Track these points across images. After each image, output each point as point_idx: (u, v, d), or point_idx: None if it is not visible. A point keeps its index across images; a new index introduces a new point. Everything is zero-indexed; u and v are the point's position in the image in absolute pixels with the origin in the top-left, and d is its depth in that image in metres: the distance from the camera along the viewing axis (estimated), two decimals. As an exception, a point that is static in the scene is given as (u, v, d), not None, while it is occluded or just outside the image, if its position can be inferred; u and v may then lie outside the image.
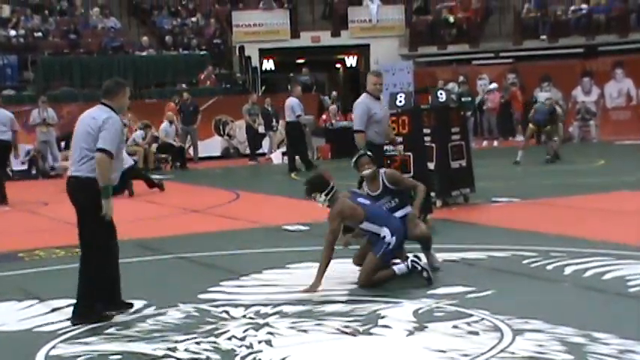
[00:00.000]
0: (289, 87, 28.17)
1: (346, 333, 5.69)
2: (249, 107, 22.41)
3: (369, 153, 7.84)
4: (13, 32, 25.18)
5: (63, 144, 20.33)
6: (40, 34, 25.61)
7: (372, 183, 7.70)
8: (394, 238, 7.06)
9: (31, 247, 9.79)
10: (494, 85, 24.39)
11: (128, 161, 15.15)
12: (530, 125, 17.71)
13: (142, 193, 15.30)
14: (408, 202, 7.69)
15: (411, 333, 5.62)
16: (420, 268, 7.07)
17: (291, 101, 19.19)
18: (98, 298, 6.42)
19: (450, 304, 6.28)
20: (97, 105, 6.61)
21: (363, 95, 9.32)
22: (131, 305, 6.64)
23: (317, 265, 7.79)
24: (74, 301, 6.52)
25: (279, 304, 6.51)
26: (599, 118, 23.98)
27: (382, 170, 7.84)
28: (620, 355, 4.95)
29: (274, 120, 23.05)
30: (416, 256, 7.21)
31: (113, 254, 6.60)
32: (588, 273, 7.20)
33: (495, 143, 23.40)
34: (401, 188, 7.71)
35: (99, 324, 6.21)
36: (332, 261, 8.09)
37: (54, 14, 26.89)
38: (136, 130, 21.47)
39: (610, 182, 13.76)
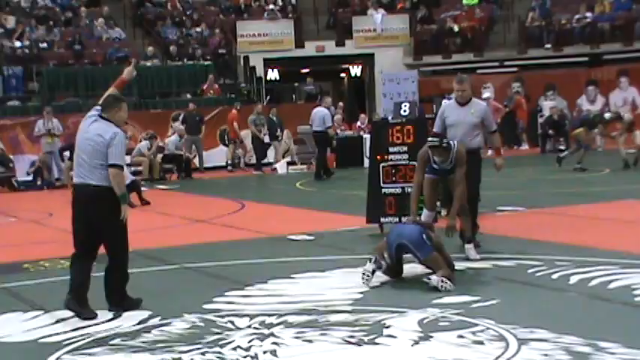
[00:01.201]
0: (294, 97, 28.30)
1: (351, 343, 5.68)
2: (254, 117, 22.45)
3: (444, 142, 8.32)
4: (18, 43, 25.27)
5: (67, 154, 20.37)
6: (44, 44, 25.71)
7: (445, 159, 8.36)
8: None
9: (36, 258, 9.79)
10: (487, 94, 24.32)
11: (129, 177, 15.19)
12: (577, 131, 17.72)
13: (146, 204, 15.31)
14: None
15: (416, 343, 5.61)
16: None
17: (322, 111, 19.70)
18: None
19: (456, 314, 6.27)
20: (97, 119, 6.96)
21: (452, 100, 9.65)
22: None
23: (321, 275, 7.77)
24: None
25: (284, 314, 6.50)
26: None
27: (455, 146, 8.39)
28: (626, 364, 4.93)
29: (279, 130, 23.08)
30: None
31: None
32: (594, 282, 7.19)
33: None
34: (457, 164, 8.32)
35: (104, 334, 6.21)
36: (337, 270, 8.12)
37: (58, 25, 26.99)
38: (140, 140, 21.52)
39: (615, 191, 13.75)
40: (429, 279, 7.24)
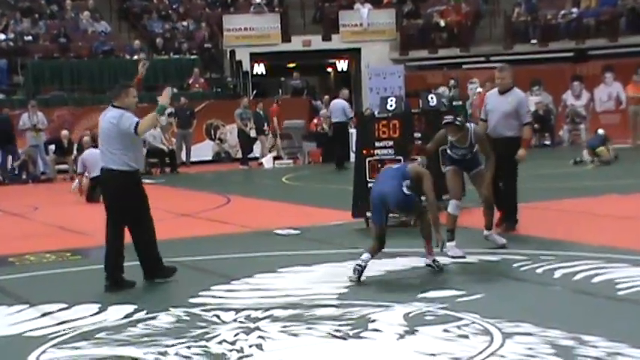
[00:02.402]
0: (280, 91, 28.28)
1: (337, 337, 5.70)
2: (240, 111, 22.43)
3: (457, 120, 8.32)
4: (2, 36, 25.13)
5: (53, 147, 20.29)
6: (29, 37, 25.57)
7: (463, 139, 8.34)
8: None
9: (21, 252, 9.76)
10: (479, 89, 24.39)
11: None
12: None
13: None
14: (479, 162, 8.48)
15: (401, 337, 5.63)
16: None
17: (341, 103, 20.51)
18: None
19: (441, 308, 6.29)
20: (109, 109, 7.70)
21: (495, 88, 9.89)
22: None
23: (307, 269, 7.81)
24: (64, 305, 6.86)
25: (269, 308, 6.51)
26: (588, 121, 24.06)
27: (472, 126, 8.47)
28: (608, 357, 4.97)
29: (266, 124, 23.07)
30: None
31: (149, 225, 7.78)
32: (578, 276, 7.23)
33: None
34: (480, 149, 8.41)
35: (90, 328, 6.21)
36: (324, 264, 8.15)
37: (44, 18, 26.85)
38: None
39: (600, 186, 13.82)
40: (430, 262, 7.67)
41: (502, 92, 9.59)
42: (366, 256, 7.48)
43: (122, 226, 7.67)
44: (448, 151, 8.56)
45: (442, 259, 7.91)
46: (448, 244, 8.19)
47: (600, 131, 18.59)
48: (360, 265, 7.43)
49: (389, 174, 7.76)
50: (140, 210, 7.68)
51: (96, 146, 16.63)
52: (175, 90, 24.69)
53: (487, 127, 9.60)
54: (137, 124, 7.44)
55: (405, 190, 7.51)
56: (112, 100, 7.80)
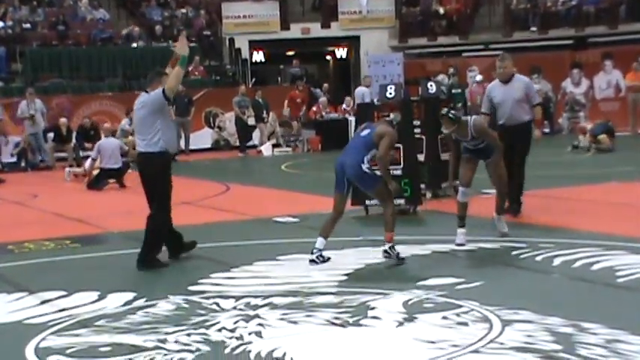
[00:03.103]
0: (279, 79, 28.23)
1: (336, 324, 5.70)
2: (238, 99, 22.39)
3: (450, 113, 8.27)
4: (0, 23, 25.04)
5: (52, 135, 20.25)
6: (28, 25, 25.47)
7: (463, 132, 8.28)
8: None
9: (20, 240, 9.76)
10: (479, 77, 24.36)
11: (118, 162, 15.16)
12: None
13: (132, 186, 15.27)
14: (493, 151, 8.41)
15: (400, 324, 5.64)
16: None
17: (363, 90, 21.00)
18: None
19: (440, 295, 6.30)
20: (142, 94, 8.11)
21: (495, 80, 9.91)
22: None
23: (306, 256, 7.82)
24: (64, 293, 6.93)
25: (269, 296, 6.52)
26: (588, 109, 24.04)
27: (471, 119, 8.38)
28: (608, 344, 4.98)
29: (265, 112, 23.03)
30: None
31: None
32: (577, 264, 7.24)
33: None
34: (485, 140, 8.32)
35: (89, 316, 6.22)
36: (323, 252, 8.14)
37: (42, 5, 26.75)
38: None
39: (599, 173, 13.82)
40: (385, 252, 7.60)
41: (505, 81, 9.66)
42: (320, 241, 7.67)
43: (166, 205, 8.07)
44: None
45: (434, 247, 7.91)
46: (458, 230, 8.25)
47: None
48: (316, 255, 7.62)
49: (355, 144, 7.88)
50: (167, 191, 8.06)
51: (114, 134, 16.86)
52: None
53: (491, 120, 9.74)
54: (163, 89, 7.70)
55: (364, 168, 7.61)
56: (147, 86, 8.17)
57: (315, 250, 7.65)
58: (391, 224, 7.65)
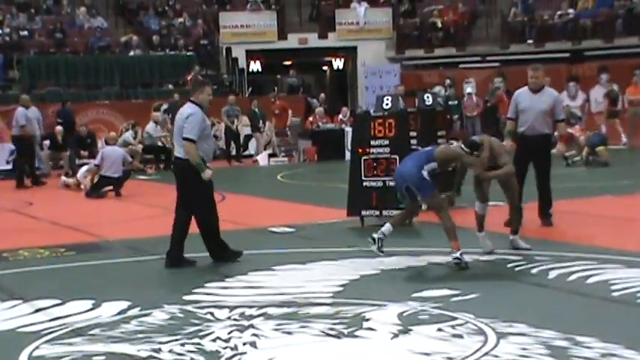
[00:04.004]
0: (275, 89, 28.27)
1: (331, 335, 5.69)
2: (227, 108, 22.36)
3: (473, 140, 8.11)
4: (-2, 31, 25.09)
5: (47, 142, 20.22)
6: (25, 33, 25.50)
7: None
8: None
9: (15, 247, 9.73)
10: (470, 90, 24.39)
11: (118, 171, 15.16)
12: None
13: (128, 194, 15.27)
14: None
15: (395, 336, 5.63)
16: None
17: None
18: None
19: (435, 307, 6.29)
20: (187, 102, 8.48)
21: (525, 87, 10.01)
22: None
23: (302, 267, 7.81)
24: (58, 301, 6.88)
25: (263, 306, 6.50)
26: (584, 122, 24.09)
27: (493, 141, 8.27)
28: (602, 358, 4.98)
29: (261, 121, 23.03)
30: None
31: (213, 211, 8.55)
32: (572, 277, 7.24)
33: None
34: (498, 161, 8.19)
35: (84, 324, 6.20)
36: (318, 263, 8.15)
37: (40, 13, 26.78)
38: (122, 130, 21.43)
39: (594, 187, 13.85)
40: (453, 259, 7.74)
41: (535, 91, 9.77)
42: (386, 227, 7.91)
43: (191, 210, 8.38)
44: None
45: (430, 259, 7.91)
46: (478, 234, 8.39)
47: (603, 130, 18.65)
48: (377, 238, 7.86)
49: (414, 155, 8.12)
50: (206, 197, 8.37)
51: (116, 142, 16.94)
52: (171, 86, 24.74)
53: (515, 125, 9.92)
54: (186, 138, 8.18)
55: (423, 172, 7.72)
56: (190, 94, 8.69)
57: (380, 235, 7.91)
58: (453, 233, 7.75)
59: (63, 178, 17.58)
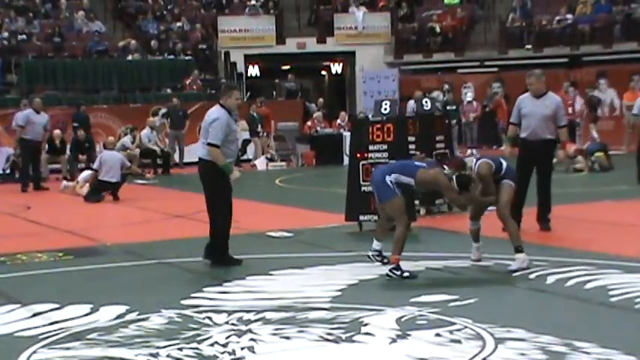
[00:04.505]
0: (274, 93, 28.27)
1: (329, 340, 5.69)
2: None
3: (466, 178, 7.76)
4: (-4, 35, 25.08)
5: (46, 146, 20.19)
6: (24, 36, 25.49)
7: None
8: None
9: (13, 251, 9.72)
10: (470, 96, 24.41)
11: (116, 176, 15.15)
12: None
13: (126, 199, 15.26)
14: (506, 176, 8.07)
15: (393, 341, 5.62)
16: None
17: (412, 105, 20.71)
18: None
19: (433, 312, 6.29)
20: (216, 105, 8.68)
21: (528, 92, 10.01)
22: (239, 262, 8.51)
23: (300, 272, 7.81)
24: (56, 305, 6.86)
25: (262, 311, 6.50)
26: (582, 128, 24.11)
27: (476, 166, 7.98)
28: (601, 364, 4.98)
29: (259, 126, 23.02)
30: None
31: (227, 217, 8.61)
32: (570, 282, 7.24)
33: (474, 151, 23.42)
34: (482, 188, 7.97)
35: (81, 329, 6.19)
36: (316, 267, 8.15)
37: (38, 17, 26.77)
38: (120, 135, 21.41)
39: (593, 192, 13.85)
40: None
41: (537, 96, 9.81)
42: (375, 243, 8.10)
43: (223, 210, 8.50)
44: None
45: (428, 264, 7.88)
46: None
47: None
48: (372, 255, 8.08)
49: (397, 163, 8.14)
50: (224, 200, 8.50)
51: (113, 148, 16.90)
52: (169, 90, 24.73)
53: (517, 130, 9.99)
54: (210, 143, 8.37)
55: (387, 179, 7.65)
56: (220, 97, 8.87)
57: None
58: (399, 245, 7.66)
59: (64, 182, 17.58)
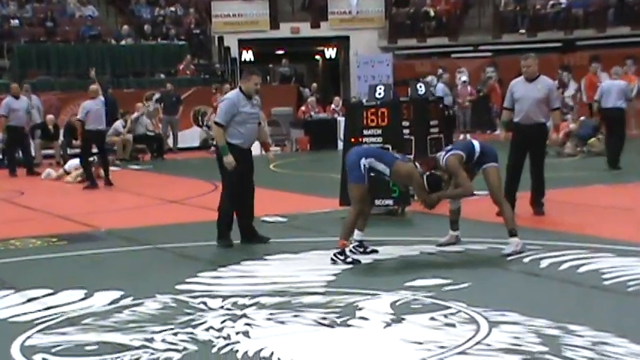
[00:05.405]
0: (268, 78, 28.20)
1: (324, 324, 5.70)
2: (222, 98, 22.27)
3: (438, 179, 7.82)
4: (-12, 19, 24.97)
5: (39, 132, 20.14)
6: (16, 21, 25.39)
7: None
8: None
9: (6, 237, 9.71)
10: (465, 78, 24.35)
11: (102, 124, 14.98)
12: None
13: (120, 184, 15.24)
14: (487, 160, 8.02)
15: (388, 325, 5.64)
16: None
17: (439, 88, 20.62)
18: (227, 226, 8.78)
19: (428, 296, 6.31)
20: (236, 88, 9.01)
21: (521, 76, 9.99)
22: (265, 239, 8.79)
23: (294, 256, 7.82)
24: (50, 291, 6.86)
25: (256, 296, 6.51)
26: (576, 112, 24.12)
27: (443, 159, 7.91)
28: (593, 346, 5.00)
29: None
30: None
31: (236, 196, 8.82)
32: (564, 266, 7.26)
33: (467, 137, 23.42)
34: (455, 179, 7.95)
35: (76, 314, 6.19)
36: (311, 252, 8.16)
37: (30, 2, 26.66)
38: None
39: (585, 176, 13.88)
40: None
41: (530, 80, 9.81)
42: (356, 233, 7.90)
43: (231, 193, 8.74)
44: None
45: (422, 248, 7.91)
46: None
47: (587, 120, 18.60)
48: (355, 247, 7.90)
49: (368, 147, 8.20)
50: (232, 181, 8.71)
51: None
52: (162, 75, 24.66)
53: (511, 115, 9.97)
54: (215, 122, 8.78)
55: (362, 161, 7.62)
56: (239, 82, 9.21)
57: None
58: (348, 230, 7.70)
59: (47, 170, 17.53)
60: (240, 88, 8.79)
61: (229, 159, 8.57)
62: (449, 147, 8.41)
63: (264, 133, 10.02)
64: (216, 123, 8.73)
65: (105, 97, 20.15)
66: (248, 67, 9.46)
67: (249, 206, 8.89)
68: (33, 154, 20.01)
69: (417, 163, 7.91)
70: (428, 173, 7.72)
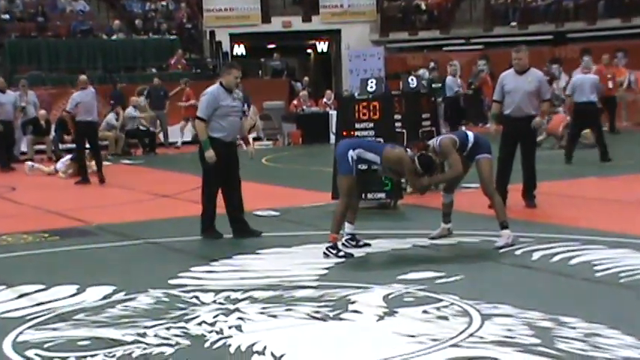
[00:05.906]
0: (260, 72, 28.17)
1: (316, 318, 5.70)
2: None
3: (431, 161, 7.73)
4: (-21, 15, 24.86)
5: (30, 127, 20.09)
6: (6, 16, 25.28)
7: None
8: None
9: (-2, 233, 9.68)
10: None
11: (93, 115, 14.92)
12: None
13: (113, 179, 15.20)
14: (481, 151, 8.02)
15: (381, 318, 5.64)
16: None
17: (449, 80, 20.69)
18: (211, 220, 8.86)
19: (420, 289, 6.31)
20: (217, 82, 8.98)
21: (511, 69, 10.01)
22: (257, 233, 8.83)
23: (287, 250, 7.82)
24: (42, 286, 6.84)
25: (249, 290, 6.51)
26: (567, 104, 24.16)
27: (437, 140, 7.99)
28: (586, 338, 5.01)
29: (245, 105, 22.93)
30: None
31: (222, 190, 8.95)
32: (556, 258, 7.28)
33: (462, 128, 23.41)
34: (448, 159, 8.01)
35: (68, 309, 6.18)
36: (303, 246, 8.16)
37: (21, -4, 26.56)
38: (106, 114, 21.30)
39: (576, 169, 13.91)
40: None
41: (520, 72, 9.83)
42: (347, 226, 7.94)
43: (212, 187, 8.82)
44: None
45: (415, 241, 7.92)
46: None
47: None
48: (346, 240, 7.91)
49: (364, 139, 8.26)
50: (227, 175, 8.87)
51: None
52: (154, 70, 24.59)
53: (501, 108, 9.99)
54: (196, 116, 8.83)
55: (350, 152, 7.63)
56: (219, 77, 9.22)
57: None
58: (338, 222, 7.70)
59: (29, 163, 17.48)
60: (221, 83, 8.84)
61: (210, 153, 8.63)
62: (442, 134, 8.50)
63: (244, 127, 10.08)
64: (198, 117, 8.79)
65: (114, 91, 20.05)
66: (228, 62, 9.50)
67: (237, 199, 8.95)
68: (24, 149, 19.99)
69: (407, 149, 7.91)
70: (419, 154, 7.69)
